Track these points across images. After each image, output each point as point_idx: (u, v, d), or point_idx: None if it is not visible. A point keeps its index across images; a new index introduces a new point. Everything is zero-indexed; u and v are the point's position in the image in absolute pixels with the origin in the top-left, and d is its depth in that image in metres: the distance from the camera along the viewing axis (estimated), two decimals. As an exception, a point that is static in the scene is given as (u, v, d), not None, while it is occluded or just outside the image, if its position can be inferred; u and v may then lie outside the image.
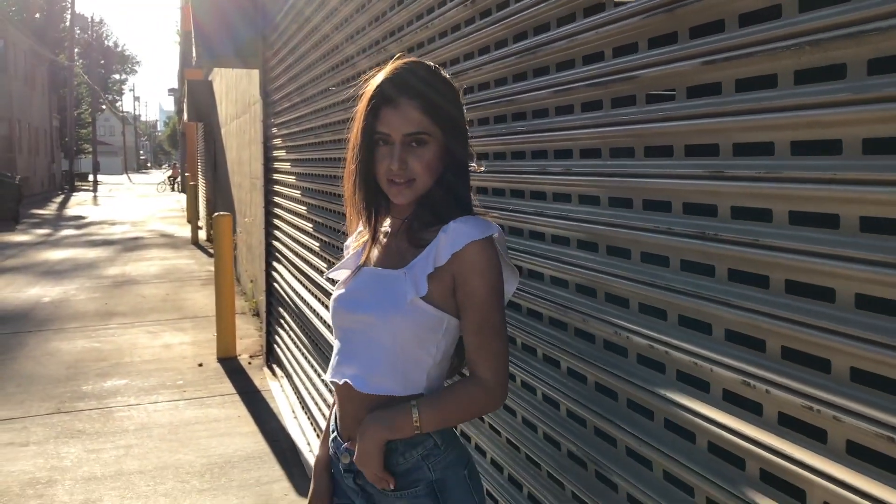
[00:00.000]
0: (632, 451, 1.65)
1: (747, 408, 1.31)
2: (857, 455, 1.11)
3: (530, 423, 2.12)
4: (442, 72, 1.74)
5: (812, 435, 1.18)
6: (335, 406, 1.91)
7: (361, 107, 1.70)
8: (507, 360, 1.70)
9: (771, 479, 1.26)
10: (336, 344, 1.84)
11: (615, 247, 1.69)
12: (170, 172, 51.84)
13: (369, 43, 3.38)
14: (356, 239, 1.91)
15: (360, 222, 1.84)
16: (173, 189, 45.90)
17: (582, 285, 1.84)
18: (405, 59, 1.72)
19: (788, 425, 1.23)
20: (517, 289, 2.06)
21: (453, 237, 1.62)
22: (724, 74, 1.30)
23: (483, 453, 2.41)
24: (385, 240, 1.79)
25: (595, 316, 1.77)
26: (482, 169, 1.98)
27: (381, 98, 1.65)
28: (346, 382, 1.73)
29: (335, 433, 1.86)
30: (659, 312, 1.54)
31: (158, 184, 48.43)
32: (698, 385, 1.42)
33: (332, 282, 2.05)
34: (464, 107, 1.78)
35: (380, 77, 1.68)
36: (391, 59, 1.72)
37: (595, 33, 1.66)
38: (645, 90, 1.53)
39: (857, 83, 1.04)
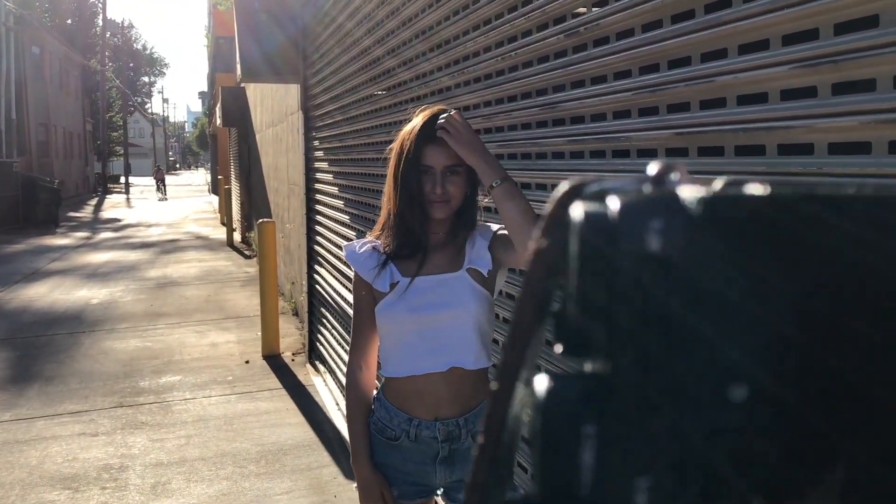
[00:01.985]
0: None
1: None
2: None
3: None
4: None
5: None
6: (413, 398, 2.12)
7: (405, 146, 2.04)
8: None
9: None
10: (411, 343, 2.10)
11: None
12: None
13: (425, 72, 3.69)
14: (372, 252, 2.21)
15: (382, 236, 2.20)
16: (158, 190, 43.11)
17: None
18: (436, 108, 2.07)
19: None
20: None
21: (485, 230, 2.13)
22: (689, 143, 1.72)
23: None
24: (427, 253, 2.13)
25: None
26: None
27: (425, 138, 2.02)
28: (451, 368, 2.06)
29: (417, 421, 2.10)
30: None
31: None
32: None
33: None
34: None
35: (419, 121, 2.04)
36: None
37: (599, 100, 2.06)
38: (636, 147, 1.92)
39: (820, 159, 1.48)
